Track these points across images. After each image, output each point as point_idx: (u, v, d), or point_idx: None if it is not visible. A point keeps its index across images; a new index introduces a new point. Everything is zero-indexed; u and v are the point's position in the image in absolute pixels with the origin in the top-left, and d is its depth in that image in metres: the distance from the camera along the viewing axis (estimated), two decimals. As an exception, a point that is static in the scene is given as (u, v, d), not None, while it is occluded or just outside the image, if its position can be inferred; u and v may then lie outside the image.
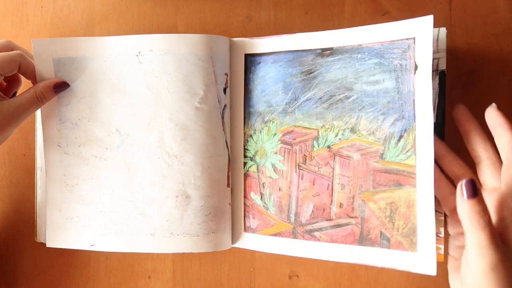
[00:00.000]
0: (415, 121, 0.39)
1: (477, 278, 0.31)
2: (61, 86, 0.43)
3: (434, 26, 0.39)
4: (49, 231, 0.45)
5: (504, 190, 0.33)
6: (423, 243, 0.38)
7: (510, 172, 0.33)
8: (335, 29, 0.44)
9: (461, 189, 0.32)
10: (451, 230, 0.39)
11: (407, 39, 0.39)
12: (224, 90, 0.44)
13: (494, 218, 0.33)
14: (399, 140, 0.39)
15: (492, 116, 0.35)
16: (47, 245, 0.45)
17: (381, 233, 0.40)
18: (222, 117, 0.44)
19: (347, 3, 0.46)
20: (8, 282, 0.50)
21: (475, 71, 0.45)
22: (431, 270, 0.37)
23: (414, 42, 0.38)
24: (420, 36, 0.38)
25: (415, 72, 0.39)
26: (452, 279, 0.37)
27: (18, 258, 0.50)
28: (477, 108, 0.45)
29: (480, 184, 0.35)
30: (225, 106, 0.44)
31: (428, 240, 0.38)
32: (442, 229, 0.40)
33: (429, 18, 0.37)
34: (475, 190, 0.31)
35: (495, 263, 0.30)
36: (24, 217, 0.49)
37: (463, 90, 0.45)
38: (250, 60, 0.44)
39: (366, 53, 0.41)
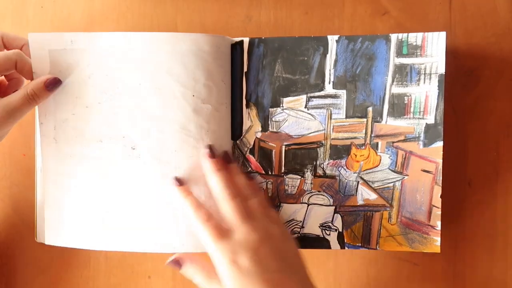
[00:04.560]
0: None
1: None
2: (52, 83, 0.42)
3: (434, 29, 0.40)
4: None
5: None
6: None
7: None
8: (335, 29, 0.44)
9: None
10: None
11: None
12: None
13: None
14: None
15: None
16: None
17: None
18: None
19: (347, 3, 0.46)
20: (8, 282, 0.50)
21: (475, 71, 0.45)
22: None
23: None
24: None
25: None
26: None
27: (18, 258, 0.50)
28: (477, 108, 0.45)
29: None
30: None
31: None
32: (438, 223, 0.42)
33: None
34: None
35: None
36: (24, 217, 0.49)
37: (463, 91, 0.45)
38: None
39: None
